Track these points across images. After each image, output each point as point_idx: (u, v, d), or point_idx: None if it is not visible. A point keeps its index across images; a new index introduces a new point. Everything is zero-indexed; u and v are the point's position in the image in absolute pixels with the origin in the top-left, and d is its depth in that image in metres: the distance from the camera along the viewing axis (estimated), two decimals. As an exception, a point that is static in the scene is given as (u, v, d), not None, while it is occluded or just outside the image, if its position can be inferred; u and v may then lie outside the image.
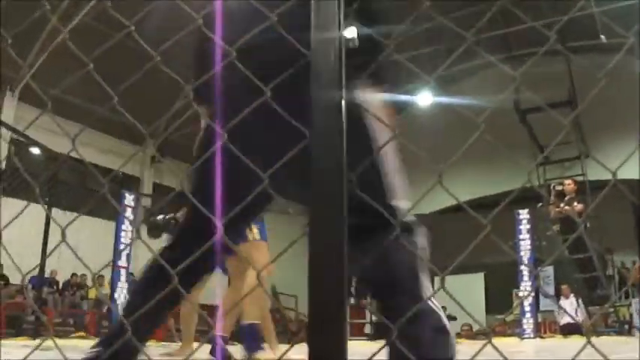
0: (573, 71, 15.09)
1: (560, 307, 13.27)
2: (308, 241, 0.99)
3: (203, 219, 1.28)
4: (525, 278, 12.51)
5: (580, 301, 12.78)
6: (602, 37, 14.56)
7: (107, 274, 12.24)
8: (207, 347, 4.07)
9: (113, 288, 11.15)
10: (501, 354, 1.04)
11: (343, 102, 1.04)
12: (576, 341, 9.18)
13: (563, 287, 13.05)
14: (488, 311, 17.34)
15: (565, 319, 12.79)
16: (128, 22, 1.46)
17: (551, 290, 14.92)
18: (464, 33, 1.28)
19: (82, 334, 10.94)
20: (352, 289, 13.55)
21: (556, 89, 13.99)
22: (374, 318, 15.10)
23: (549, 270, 15.86)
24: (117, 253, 10.91)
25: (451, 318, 15.69)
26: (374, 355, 1.07)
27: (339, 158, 1.01)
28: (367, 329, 16.07)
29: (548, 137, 12.90)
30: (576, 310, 12.56)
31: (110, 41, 1.71)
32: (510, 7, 1.35)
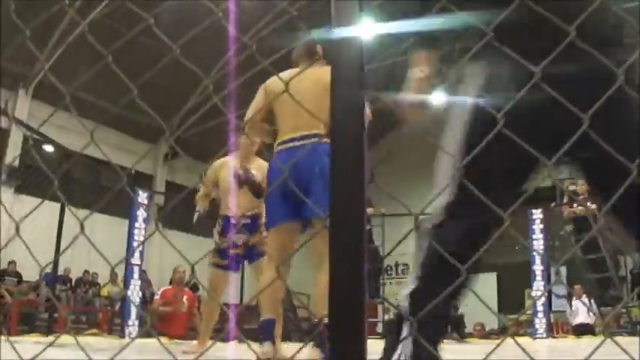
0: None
1: (571, 307, 13.19)
2: (329, 240, 0.99)
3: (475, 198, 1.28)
4: (538, 278, 12.44)
5: (592, 301, 12.70)
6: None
7: (120, 271, 12.29)
8: (221, 345, 4.15)
9: (126, 285, 11.18)
10: (524, 350, 1.04)
11: (364, 101, 1.04)
12: (589, 341, 9.13)
13: (576, 287, 12.97)
14: (500, 311, 17.29)
15: (578, 320, 12.72)
16: (147, 16, 1.45)
17: (563, 290, 14.83)
18: (484, 28, 1.28)
19: (94, 331, 10.98)
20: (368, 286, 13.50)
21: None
22: (386, 317, 15.09)
23: (562, 270, 15.79)
24: (130, 251, 10.92)
25: (460, 319, 15.70)
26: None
27: (360, 157, 1.01)
28: (379, 328, 16.08)
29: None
30: (588, 311, 12.48)
31: (127, 35, 1.71)
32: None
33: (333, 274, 0.97)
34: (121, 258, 9.75)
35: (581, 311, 12.76)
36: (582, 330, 12.19)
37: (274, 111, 3.96)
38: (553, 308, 16.82)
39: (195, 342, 6.02)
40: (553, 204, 12.68)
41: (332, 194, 1.01)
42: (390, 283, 19.49)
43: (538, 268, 12.45)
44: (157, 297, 10.33)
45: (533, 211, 12.49)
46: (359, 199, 0.99)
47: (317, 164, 3.58)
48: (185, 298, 10.02)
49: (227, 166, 5.38)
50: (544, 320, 12.32)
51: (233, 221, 5.28)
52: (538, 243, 12.50)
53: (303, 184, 3.43)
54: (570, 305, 13.11)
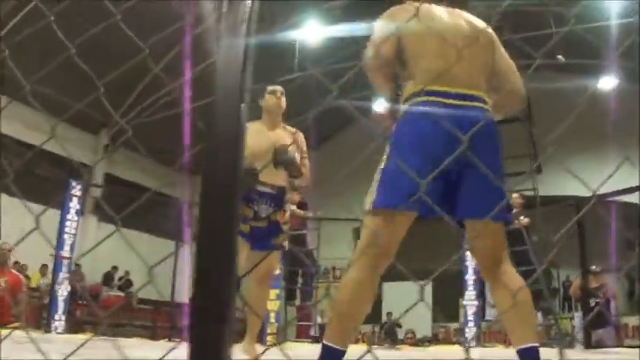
0: (530, 88, 15.35)
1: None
2: (197, 239, 0.99)
3: None
4: (470, 288, 12.68)
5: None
6: (560, 56, 14.87)
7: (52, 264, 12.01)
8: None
9: (54, 279, 10.88)
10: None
11: (243, 106, 1.05)
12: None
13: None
14: (435, 319, 17.51)
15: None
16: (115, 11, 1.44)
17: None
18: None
19: (20, 323, 10.68)
20: (297, 291, 13.51)
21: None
22: (319, 320, 15.12)
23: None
24: (60, 243, 10.66)
25: (397, 325, 15.86)
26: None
27: (235, 161, 1.03)
28: (312, 331, 16.11)
29: (505, 150, 13.07)
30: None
31: (92, 29, 1.68)
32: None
33: (199, 277, 0.97)
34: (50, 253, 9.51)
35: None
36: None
37: (406, 50, 2.72)
38: (486, 317, 17.17)
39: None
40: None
41: (202, 196, 1.01)
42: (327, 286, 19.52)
43: (470, 277, 12.69)
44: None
45: (467, 221, 12.72)
46: (230, 204, 1.01)
47: (492, 142, 2.58)
48: (5, 280, 8.66)
49: (255, 130, 4.66)
50: (474, 329, 12.55)
51: (261, 189, 4.62)
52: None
53: (467, 164, 2.31)
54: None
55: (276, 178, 4.63)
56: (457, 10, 2.82)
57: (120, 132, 17.45)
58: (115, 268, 16.84)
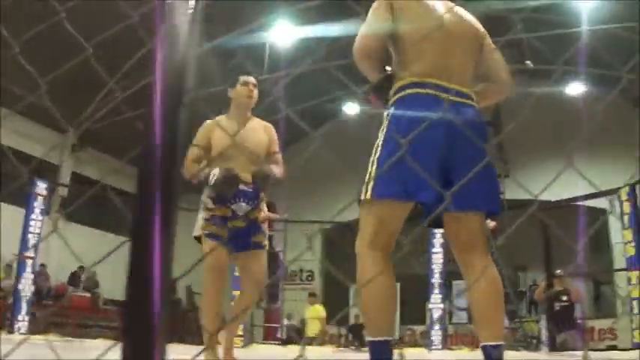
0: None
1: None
2: (130, 243, 0.98)
3: None
4: (436, 291, 12.78)
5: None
6: (528, 62, 15.02)
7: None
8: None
9: (18, 279, 10.73)
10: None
11: (182, 111, 1.05)
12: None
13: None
14: (402, 321, 17.57)
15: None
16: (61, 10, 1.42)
17: (464, 303, 15.23)
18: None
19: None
20: (266, 292, 13.49)
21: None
22: (286, 322, 15.10)
23: (463, 284, 16.21)
24: (24, 243, 10.51)
25: (364, 327, 15.93)
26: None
27: (171, 162, 1.02)
28: (280, 334, 16.11)
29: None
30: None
31: (43, 24, 1.66)
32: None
33: (132, 278, 0.97)
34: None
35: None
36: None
37: (400, 38, 2.67)
38: (453, 320, 17.30)
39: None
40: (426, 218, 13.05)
41: (134, 205, 1.00)
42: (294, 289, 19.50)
43: (436, 281, 12.79)
44: None
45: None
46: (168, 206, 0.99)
47: (483, 138, 2.53)
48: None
49: (221, 125, 4.42)
50: (440, 332, 12.64)
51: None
52: (437, 257, 12.85)
53: (459, 158, 2.42)
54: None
55: (249, 172, 4.31)
56: (449, 3, 2.79)
57: (87, 131, 17.23)
58: (81, 268, 16.64)
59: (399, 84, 2.62)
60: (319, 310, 14.27)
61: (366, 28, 2.69)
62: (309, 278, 20.35)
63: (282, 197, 11.82)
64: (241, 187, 4.27)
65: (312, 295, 15.05)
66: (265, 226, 4.53)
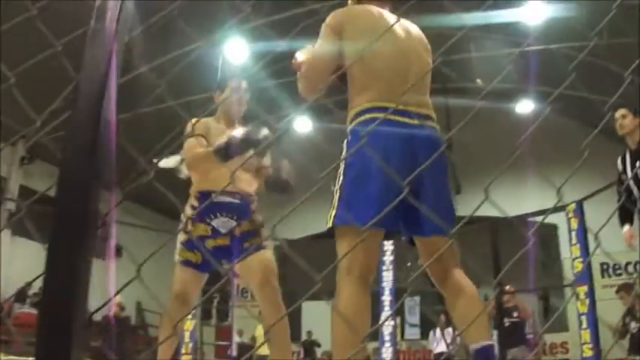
0: (450, 111, 15.78)
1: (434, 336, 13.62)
2: (47, 256, 0.97)
3: None
4: (387, 308, 12.80)
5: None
6: (479, 80, 15.27)
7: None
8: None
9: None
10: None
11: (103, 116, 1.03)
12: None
13: (442, 318, 13.43)
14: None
15: (438, 349, 13.10)
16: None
17: (415, 320, 15.34)
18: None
19: None
20: (214, 310, 13.36)
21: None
22: (237, 339, 14.96)
23: (415, 300, 16.34)
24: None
25: (316, 344, 15.85)
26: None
27: (91, 170, 1.01)
28: (230, 352, 15.96)
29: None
30: (445, 340, 12.85)
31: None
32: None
33: (45, 295, 0.95)
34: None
35: (438, 340, 13.22)
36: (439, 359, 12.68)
37: (351, 58, 2.62)
38: (406, 337, 17.38)
39: None
40: (403, 237, 13.15)
41: (55, 218, 0.99)
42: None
43: (387, 298, 12.81)
44: None
45: (384, 242, 12.84)
46: (83, 222, 0.98)
47: (443, 161, 2.57)
48: None
49: (213, 127, 3.91)
50: (391, 349, 12.66)
51: (217, 198, 3.73)
52: (387, 274, 12.89)
53: (422, 183, 2.41)
54: (434, 333, 13.49)
55: (240, 183, 3.80)
56: (401, 20, 2.73)
57: (38, 144, 16.92)
58: (29, 284, 16.27)
59: (356, 109, 2.58)
60: (268, 328, 14.09)
61: (316, 49, 2.68)
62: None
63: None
64: (225, 199, 3.75)
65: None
66: (261, 228, 3.88)
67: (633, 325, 8.40)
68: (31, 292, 16.68)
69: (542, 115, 12.73)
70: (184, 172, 3.96)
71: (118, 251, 15.38)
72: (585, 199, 10.60)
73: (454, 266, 2.61)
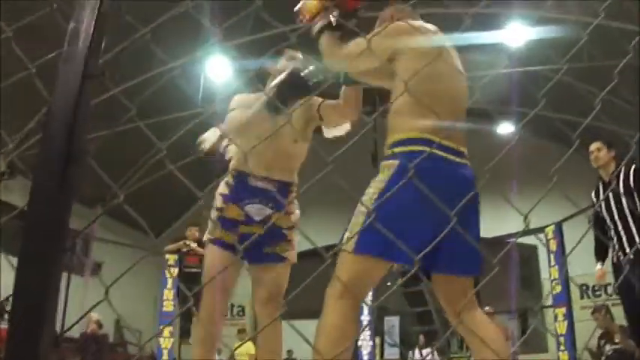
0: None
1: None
2: (16, 271, 0.98)
3: None
4: (366, 328, 12.79)
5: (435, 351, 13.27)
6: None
7: None
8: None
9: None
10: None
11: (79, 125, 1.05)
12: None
13: (421, 337, 13.43)
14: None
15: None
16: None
17: (395, 339, 15.32)
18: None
19: None
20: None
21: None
22: (216, 358, 14.87)
23: (394, 320, 16.34)
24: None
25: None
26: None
27: (56, 189, 1.04)
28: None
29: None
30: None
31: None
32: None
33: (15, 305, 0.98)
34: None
35: (416, 360, 13.26)
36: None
37: (402, 78, 2.36)
38: (385, 356, 17.36)
39: None
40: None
41: (25, 229, 1.00)
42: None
43: (365, 318, 12.84)
44: None
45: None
46: (56, 233, 1.00)
47: (476, 200, 2.43)
48: None
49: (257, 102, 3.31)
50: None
51: (253, 183, 3.39)
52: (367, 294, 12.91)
53: (459, 222, 2.11)
54: (413, 353, 13.51)
55: (276, 169, 3.45)
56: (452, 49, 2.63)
57: (19, 159, 16.81)
58: (7, 299, 16.07)
59: (401, 136, 2.43)
60: (249, 346, 14.06)
61: (365, 55, 2.48)
62: (240, 314, 20.02)
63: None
64: (259, 184, 3.37)
65: (241, 331, 14.81)
66: (293, 233, 3.51)
67: (608, 347, 8.44)
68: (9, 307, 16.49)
69: (514, 138, 12.80)
70: (223, 147, 3.62)
71: (98, 267, 15.29)
72: (564, 220, 10.67)
73: (473, 307, 2.50)
